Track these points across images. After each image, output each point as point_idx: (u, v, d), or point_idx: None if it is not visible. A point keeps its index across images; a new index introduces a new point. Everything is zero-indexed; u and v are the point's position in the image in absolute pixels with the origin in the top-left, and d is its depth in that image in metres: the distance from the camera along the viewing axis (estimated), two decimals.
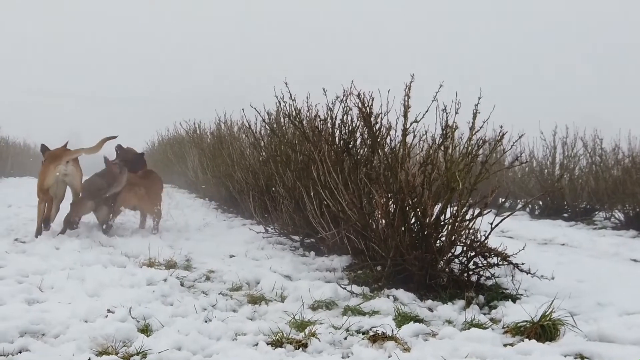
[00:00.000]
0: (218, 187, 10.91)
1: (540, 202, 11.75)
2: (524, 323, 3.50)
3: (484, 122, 4.61)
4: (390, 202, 4.75)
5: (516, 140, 4.93)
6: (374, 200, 5.01)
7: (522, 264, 4.36)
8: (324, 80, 6.14)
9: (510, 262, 4.39)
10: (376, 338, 3.28)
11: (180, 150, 15.73)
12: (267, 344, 3.24)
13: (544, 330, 3.41)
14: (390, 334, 3.32)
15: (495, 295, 4.27)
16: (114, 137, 7.15)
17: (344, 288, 4.36)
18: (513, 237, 7.76)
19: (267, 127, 7.60)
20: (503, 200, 6.96)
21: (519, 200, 12.47)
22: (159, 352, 3.05)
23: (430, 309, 4.06)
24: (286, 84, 6.25)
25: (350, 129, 5.65)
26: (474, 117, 4.56)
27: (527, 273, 4.34)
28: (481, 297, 4.23)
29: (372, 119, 5.09)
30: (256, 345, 3.23)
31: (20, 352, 3.06)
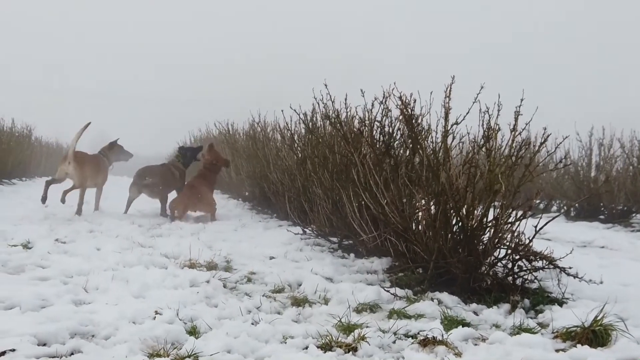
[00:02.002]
0: (252, 187, 10.94)
1: (576, 204, 11.62)
2: (575, 328, 3.44)
3: (527, 124, 4.57)
4: (432, 203, 4.72)
5: (560, 143, 4.89)
6: (416, 202, 4.98)
7: (570, 267, 4.30)
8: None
9: (556, 266, 4.34)
10: (426, 342, 3.25)
11: None
12: (317, 347, 3.22)
13: (595, 335, 3.35)
14: (441, 339, 3.29)
15: (540, 299, 4.21)
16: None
17: (387, 291, 4.34)
18: (551, 239, 7.67)
19: (304, 127, 7.60)
20: (539, 201, 6.89)
21: (553, 202, 12.35)
22: (211, 355, 3.05)
23: (476, 313, 4.01)
24: (326, 85, 6.25)
25: (390, 130, 5.63)
26: (516, 119, 4.51)
27: (574, 277, 4.28)
28: (526, 301, 4.18)
29: (413, 120, 5.06)
30: (306, 348, 3.21)
31: (72, 354, 3.07)
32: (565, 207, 11.99)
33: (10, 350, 3.01)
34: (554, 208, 12.23)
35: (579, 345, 3.26)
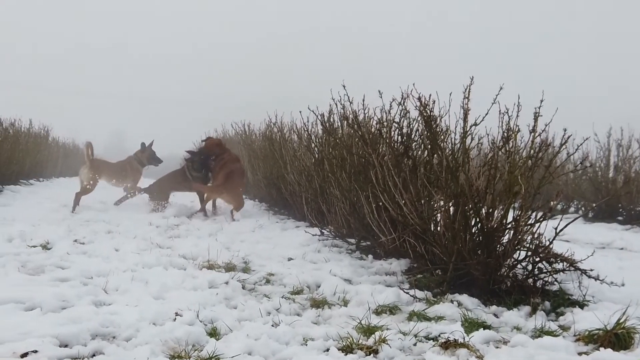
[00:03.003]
0: (269, 188, 10.94)
1: (594, 205, 11.53)
2: (597, 331, 3.41)
3: (546, 125, 4.53)
4: (450, 204, 4.70)
5: (580, 145, 4.83)
6: (435, 203, 4.96)
7: (591, 270, 4.27)
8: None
9: (577, 268, 4.31)
10: (448, 345, 3.23)
11: None
12: (338, 349, 3.21)
13: (617, 338, 3.32)
14: (462, 341, 3.27)
15: (561, 301, 4.18)
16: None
17: (407, 292, 4.33)
18: (569, 240, 7.61)
19: (322, 128, 7.59)
20: (557, 202, 6.82)
21: (571, 203, 12.26)
22: (232, 357, 3.05)
23: (496, 315, 3.99)
24: (344, 86, 6.24)
25: (408, 131, 5.61)
26: (536, 120, 4.47)
27: (595, 279, 4.25)
28: (547, 303, 4.14)
29: (432, 121, 5.04)
30: (327, 350, 3.20)
31: (94, 356, 3.08)
32: (583, 209, 11.91)
33: (33, 351, 3.02)
34: (572, 209, 12.15)
35: (601, 349, 3.22)
